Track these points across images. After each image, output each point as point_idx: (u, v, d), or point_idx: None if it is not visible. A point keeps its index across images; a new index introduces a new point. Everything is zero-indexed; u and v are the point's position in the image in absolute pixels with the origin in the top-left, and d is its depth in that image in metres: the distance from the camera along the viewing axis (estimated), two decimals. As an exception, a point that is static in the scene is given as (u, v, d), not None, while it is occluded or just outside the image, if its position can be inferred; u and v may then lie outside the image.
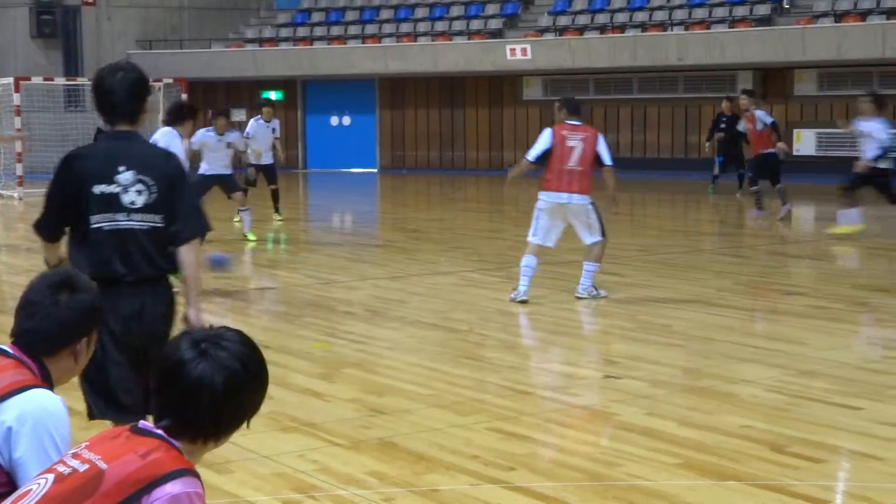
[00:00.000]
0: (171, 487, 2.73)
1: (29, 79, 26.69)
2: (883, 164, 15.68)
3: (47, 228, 5.33)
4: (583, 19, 30.85)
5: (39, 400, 3.31)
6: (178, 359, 2.90)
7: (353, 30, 33.84)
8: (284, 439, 6.58)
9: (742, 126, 19.86)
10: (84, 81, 29.48)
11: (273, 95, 34.70)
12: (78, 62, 33.82)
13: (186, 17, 35.53)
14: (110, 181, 5.15)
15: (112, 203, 5.15)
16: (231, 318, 10.39)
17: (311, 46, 33.26)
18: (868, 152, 15.76)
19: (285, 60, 33.03)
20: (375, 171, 33.69)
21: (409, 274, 13.33)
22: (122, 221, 5.16)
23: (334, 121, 34.21)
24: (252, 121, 19.15)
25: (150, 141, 11.06)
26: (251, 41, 34.54)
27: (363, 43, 32.73)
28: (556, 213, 11.17)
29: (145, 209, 5.17)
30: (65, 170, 5.25)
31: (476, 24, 32.34)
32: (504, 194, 25.46)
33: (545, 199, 11.13)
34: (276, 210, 19.22)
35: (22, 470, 3.23)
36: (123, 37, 34.54)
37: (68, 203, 5.22)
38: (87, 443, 2.93)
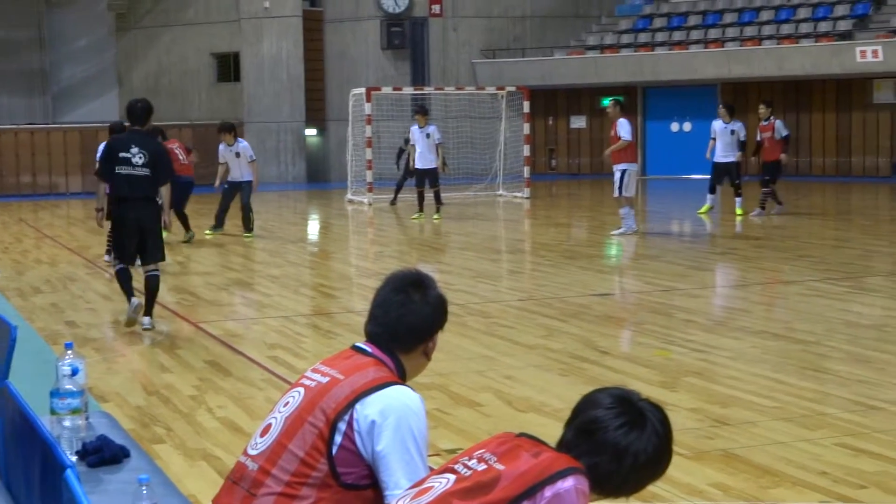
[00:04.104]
0: (564, 483, 2.92)
1: (379, 89, 27.80)
2: None
3: (103, 175, 10.71)
4: (940, 18, 29.31)
5: (401, 396, 3.42)
6: (609, 419, 3.09)
7: (695, 34, 33.44)
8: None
9: None
10: (431, 91, 30.43)
11: (613, 102, 34.72)
12: (425, 72, 34.94)
13: (529, 25, 36.06)
14: (127, 151, 10.39)
15: (127, 162, 10.39)
16: (569, 324, 10.46)
17: (652, 52, 33.10)
18: None
19: (626, 67, 33.00)
20: (716, 177, 33.04)
21: (751, 283, 13.03)
22: (132, 171, 10.39)
23: (674, 127, 33.89)
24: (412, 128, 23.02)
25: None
26: (592, 48, 34.69)
27: (705, 48, 32.29)
28: None
29: (143, 166, 10.37)
30: (108, 145, 10.70)
31: (824, 26, 31.29)
32: (850, 203, 24.60)
33: None
34: (432, 210, 22.27)
35: (383, 463, 3.35)
36: (468, 46, 35.44)
37: (109, 161, 10.47)
38: (483, 450, 3.10)
